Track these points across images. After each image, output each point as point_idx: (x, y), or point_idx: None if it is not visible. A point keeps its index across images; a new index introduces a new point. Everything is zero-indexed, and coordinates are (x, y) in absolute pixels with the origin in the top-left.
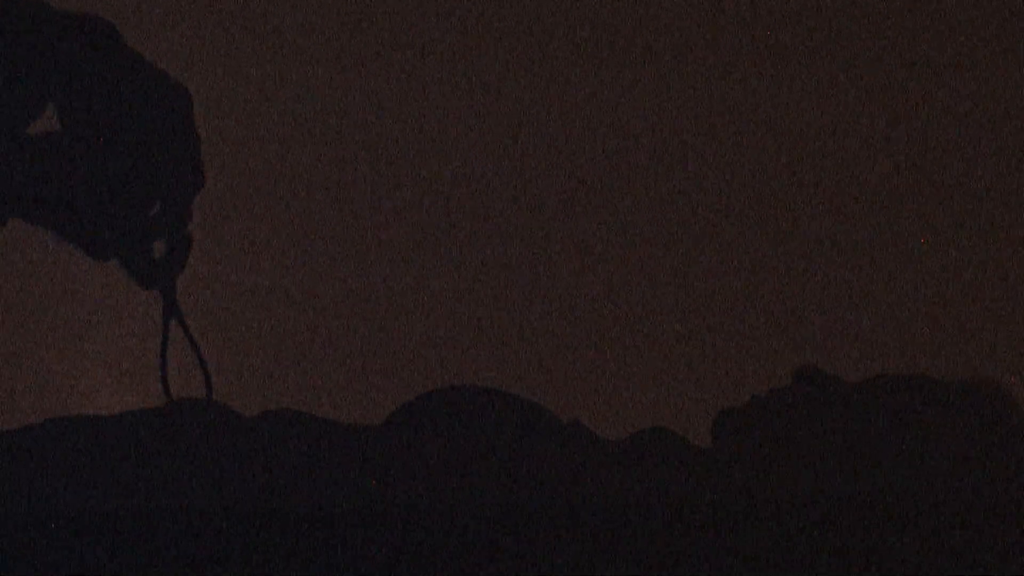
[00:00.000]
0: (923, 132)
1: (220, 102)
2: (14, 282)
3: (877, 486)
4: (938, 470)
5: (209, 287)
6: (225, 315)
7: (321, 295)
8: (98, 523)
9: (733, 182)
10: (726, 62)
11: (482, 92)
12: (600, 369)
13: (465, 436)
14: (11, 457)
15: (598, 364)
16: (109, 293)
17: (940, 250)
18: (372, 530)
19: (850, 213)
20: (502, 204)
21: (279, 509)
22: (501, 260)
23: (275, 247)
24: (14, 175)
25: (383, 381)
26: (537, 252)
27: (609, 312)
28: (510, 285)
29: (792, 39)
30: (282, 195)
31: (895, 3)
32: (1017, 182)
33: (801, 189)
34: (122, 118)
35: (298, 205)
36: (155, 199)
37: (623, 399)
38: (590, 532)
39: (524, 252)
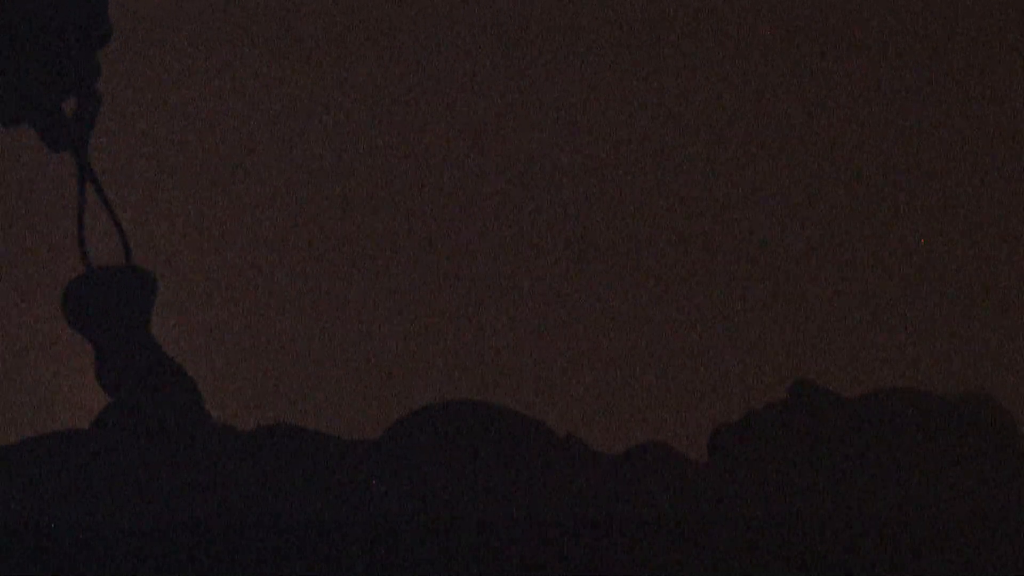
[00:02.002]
0: (923, 145)
1: (223, 101)
2: (13, 297)
3: (875, 501)
4: (938, 486)
5: (204, 298)
6: (220, 328)
7: (314, 309)
8: (98, 538)
9: (728, 193)
10: (722, 62)
11: (479, 95)
12: (596, 383)
13: (459, 450)
14: (10, 472)
15: (594, 378)
16: None
17: (940, 261)
18: (365, 544)
19: (847, 224)
20: (496, 217)
21: (279, 523)
22: (495, 272)
23: (272, 257)
24: None
25: (376, 396)
26: (532, 264)
27: (605, 325)
28: (505, 298)
29: (790, 38)
30: (279, 204)
31: (895, 3)
32: (1018, 183)
33: (798, 201)
34: None
35: (294, 215)
36: (61, 53)
37: (619, 413)
38: (586, 547)
39: (519, 264)
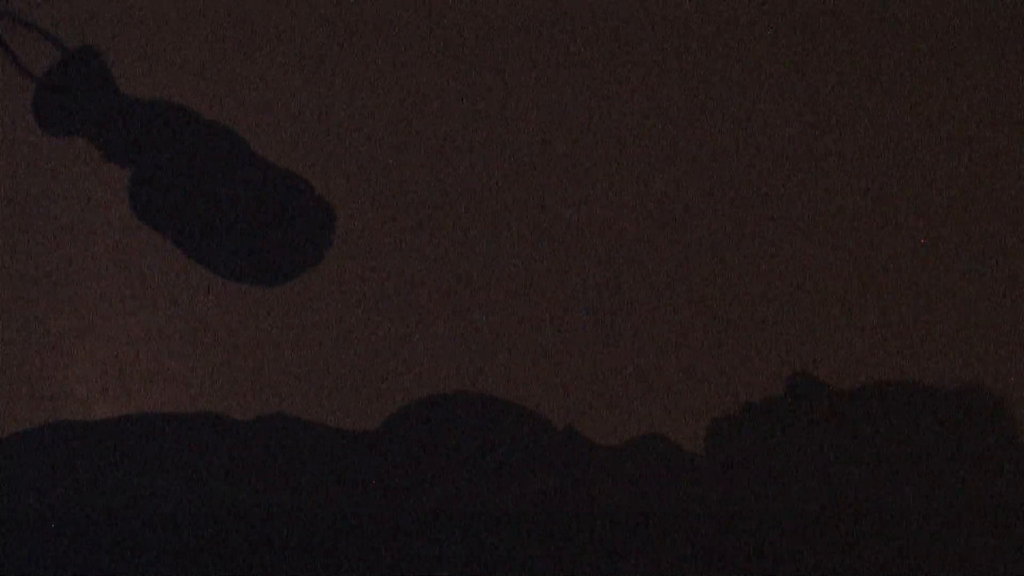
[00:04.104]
0: (923, 135)
1: (230, 98)
2: (8, 289)
3: (873, 494)
4: (935, 479)
5: (203, 290)
6: (219, 321)
7: (311, 300)
8: (93, 529)
9: (727, 186)
10: (723, 60)
11: (479, 92)
12: (595, 375)
13: (457, 443)
14: (4, 463)
15: (593, 370)
16: (104, 300)
17: (938, 257)
18: (361, 537)
19: (847, 218)
20: (494, 209)
21: (275, 515)
22: (494, 264)
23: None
24: None
25: (374, 388)
26: (531, 256)
27: (604, 317)
28: (503, 289)
29: (790, 36)
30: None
31: (897, 3)
32: (1018, 182)
33: (797, 196)
34: None
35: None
36: None
37: (618, 406)
38: (584, 539)
39: (517, 256)
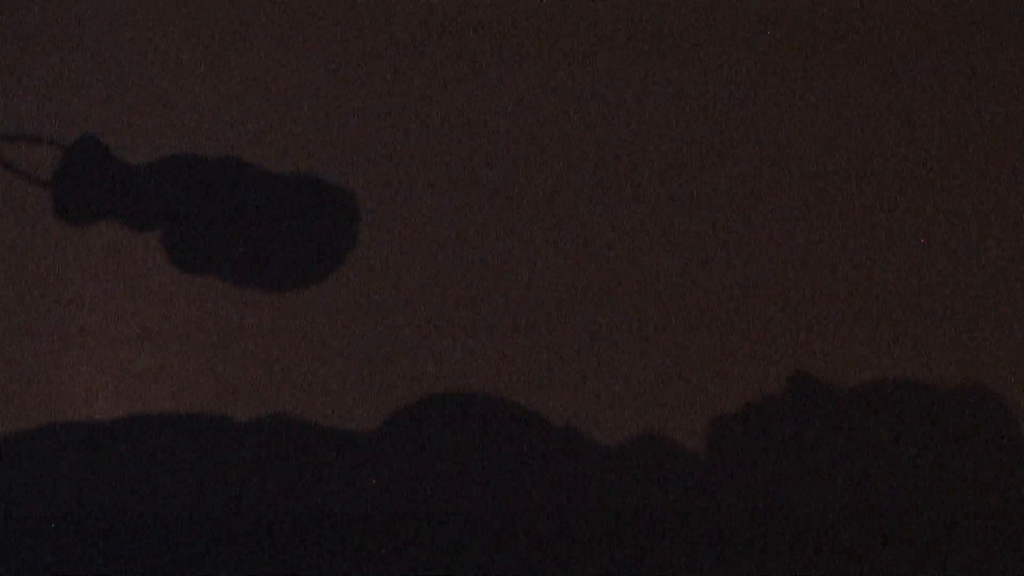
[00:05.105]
0: (924, 133)
1: (233, 97)
2: (9, 288)
3: (874, 494)
4: (936, 478)
5: (204, 291)
6: (219, 321)
7: (311, 301)
8: (93, 529)
9: (728, 185)
10: (724, 59)
11: (477, 91)
12: (595, 374)
13: (455, 442)
14: (4, 462)
15: (593, 369)
16: (104, 299)
17: (938, 256)
18: (361, 537)
19: (847, 219)
20: (493, 208)
21: (275, 515)
22: (493, 262)
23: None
24: None
25: (374, 388)
26: (530, 254)
27: (604, 316)
28: (502, 290)
29: (793, 36)
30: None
31: (898, 3)
32: (1018, 182)
33: (798, 196)
34: None
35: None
36: None
37: (618, 405)
38: (583, 539)
39: (517, 254)
